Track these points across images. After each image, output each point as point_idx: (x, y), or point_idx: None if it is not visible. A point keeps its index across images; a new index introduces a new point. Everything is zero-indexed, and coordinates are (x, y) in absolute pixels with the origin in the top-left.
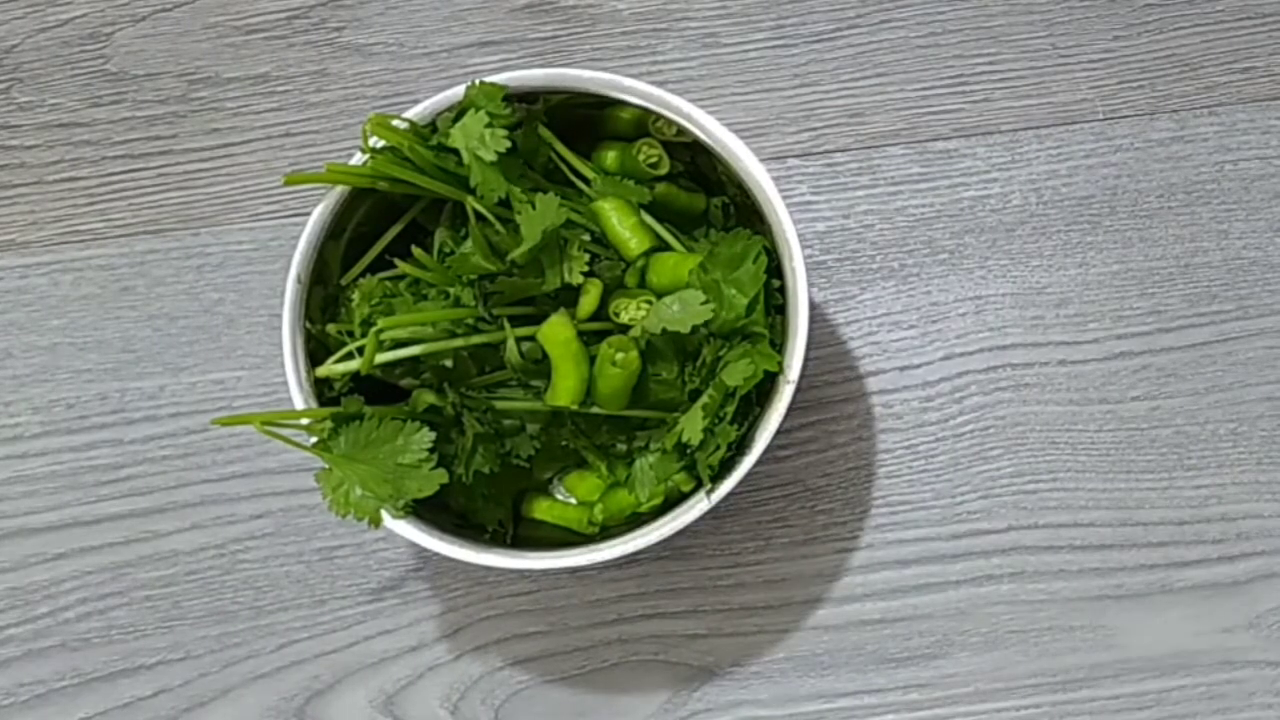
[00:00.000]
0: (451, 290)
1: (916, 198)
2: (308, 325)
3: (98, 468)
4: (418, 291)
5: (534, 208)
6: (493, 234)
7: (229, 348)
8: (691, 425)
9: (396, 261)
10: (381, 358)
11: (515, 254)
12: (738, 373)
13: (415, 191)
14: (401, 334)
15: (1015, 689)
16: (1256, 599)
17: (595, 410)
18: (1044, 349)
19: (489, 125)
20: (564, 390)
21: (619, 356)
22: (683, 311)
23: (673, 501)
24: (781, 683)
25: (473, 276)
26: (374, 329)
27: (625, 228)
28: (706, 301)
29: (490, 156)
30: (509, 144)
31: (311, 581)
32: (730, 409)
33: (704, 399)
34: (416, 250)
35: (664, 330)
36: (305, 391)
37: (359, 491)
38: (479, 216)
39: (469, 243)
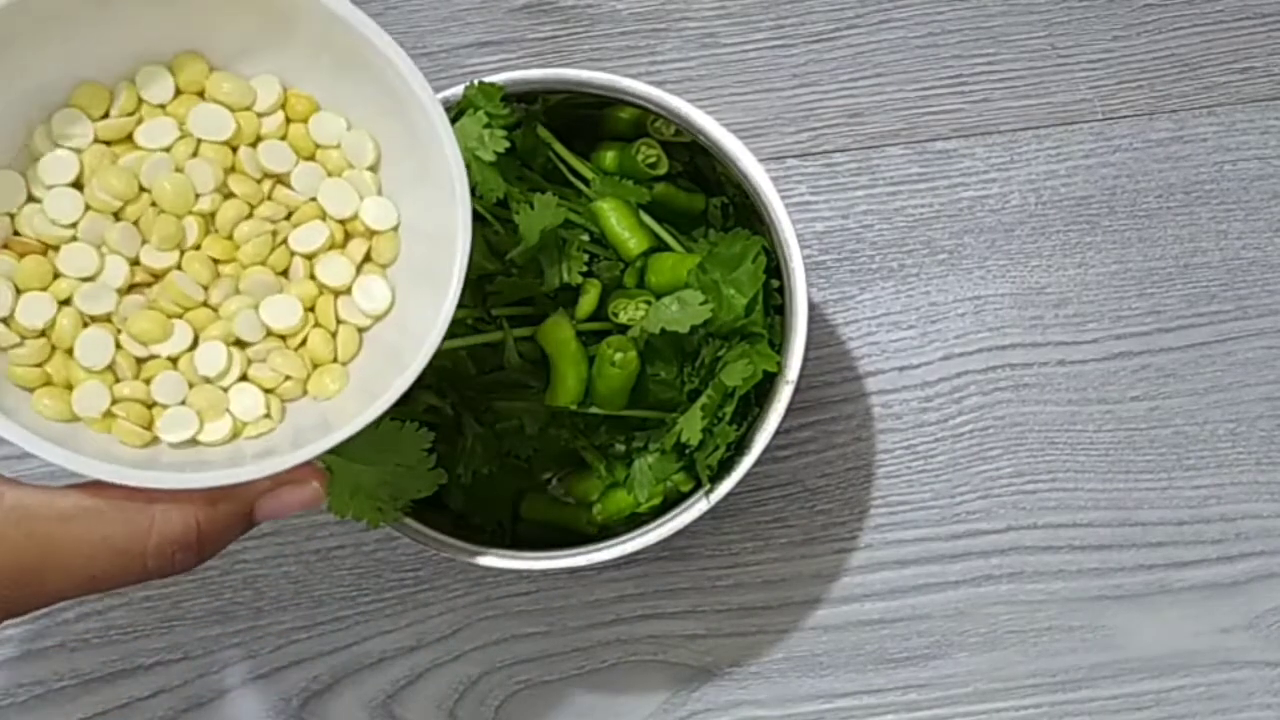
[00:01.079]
0: None
1: (915, 198)
2: None
3: None
4: None
5: (532, 208)
6: (491, 234)
7: None
8: (690, 425)
9: None
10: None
11: (514, 254)
12: (736, 373)
13: None
14: None
15: (1014, 689)
16: (1255, 599)
17: (594, 410)
18: (1043, 349)
19: (487, 125)
20: (563, 391)
21: (618, 357)
22: (681, 311)
23: (672, 502)
24: (780, 683)
25: (472, 277)
26: None
27: (624, 228)
28: (705, 301)
29: (489, 157)
30: (508, 144)
31: (310, 582)
32: (729, 409)
33: (703, 399)
34: None
35: (663, 330)
36: None
37: (358, 492)
38: (477, 217)
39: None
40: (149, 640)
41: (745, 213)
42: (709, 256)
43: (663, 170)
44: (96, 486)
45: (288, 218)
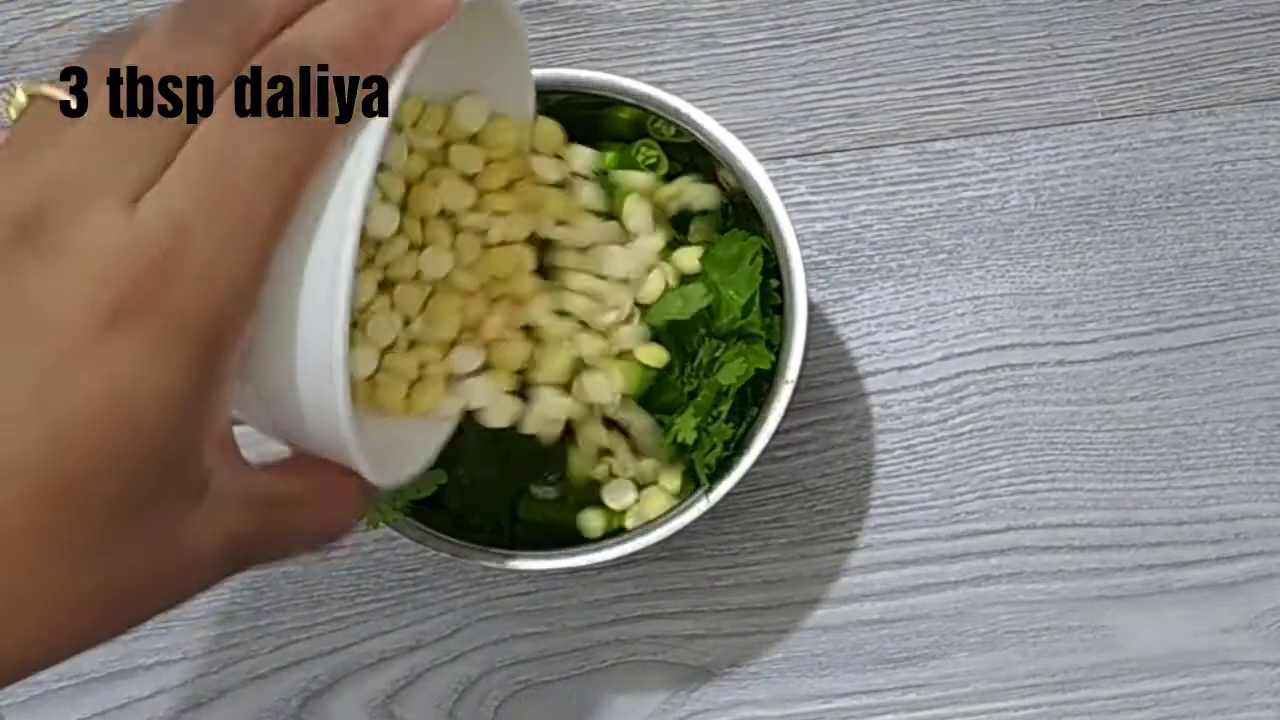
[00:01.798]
0: None
1: (915, 198)
2: None
3: None
4: None
5: None
6: None
7: None
8: (685, 424)
9: None
10: None
11: None
12: (731, 372)
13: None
14: None
15: (1014, 689)
16: (1255, 599)
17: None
18: (1042, 349)
19: None
20: None
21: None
22: (684, 304)
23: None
24: (779, 683)
25: None
26: None
27: None
28: (707, 293)
29: None
30: None
31: (309, 582)
32: (725, 407)
33: (697, 398)
34: None
35: (667, 323)
36: None
37: None
38: None
39: None
40: (148, 640)
41: (745, 213)
42: (707, 257)
43: (663, 171)
44: (300, 468)
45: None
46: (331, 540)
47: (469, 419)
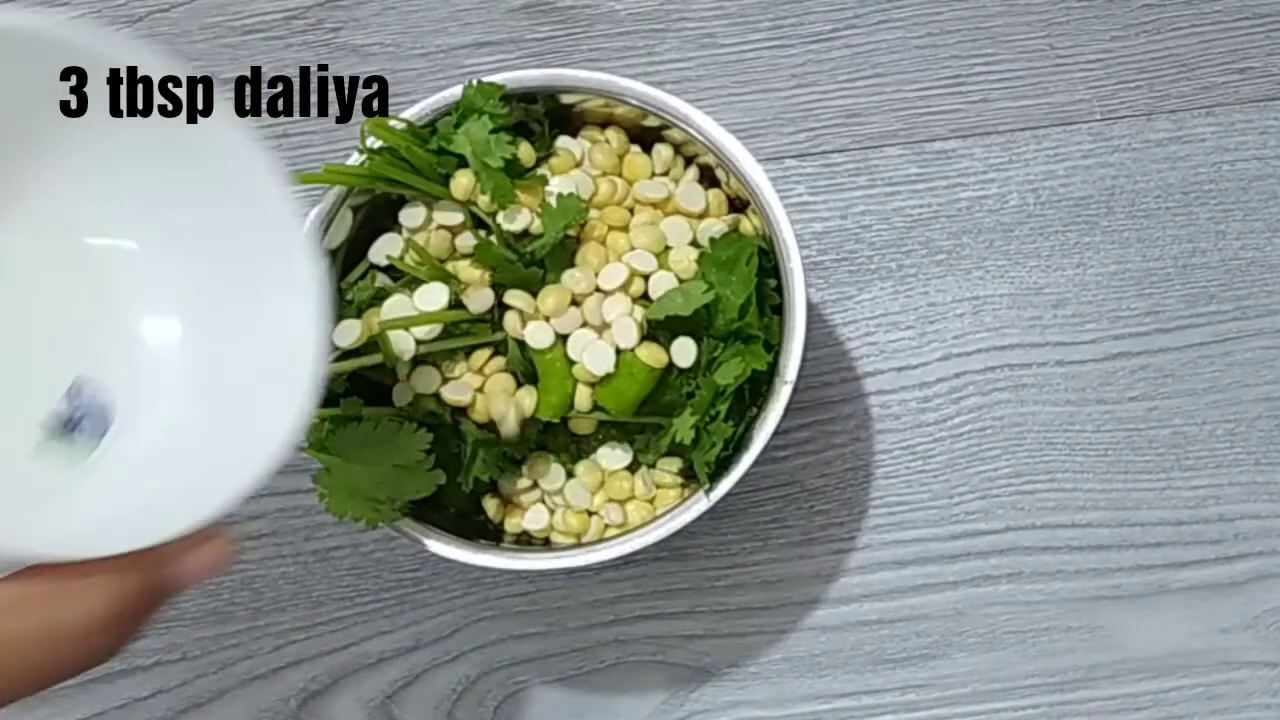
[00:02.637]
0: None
1: (914, 198)
2: None
3: None
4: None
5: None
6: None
7: None
8: (683, 424)
9: (393, 260)
10: (377, 358)
11: (535, 245)
12: (728, 372)
13: (413, 194)
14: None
15: (1013, 690)
16: (1254, 599)
17: (599, 416)
18: (1041, 349)
19: (494, 131)
20: (546, 405)
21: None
22: (685, 301)
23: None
24: (779, 683)
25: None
26: (381, 323)
27: None
28: (709, 289)
29: (497, 163)
30: (514, 150)
31: (309, 582)
32: (722, 407)
33: (694, 398)
34: (413, 243)
35: (667, 318)
36: None
37: (356, 493)
38: (478, 221)
39: (492, 236)
40: (147, 641)
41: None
42: (704, 258)
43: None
44: (27, 574)
45: None
46: (122, 637)
47: (466, 420)
